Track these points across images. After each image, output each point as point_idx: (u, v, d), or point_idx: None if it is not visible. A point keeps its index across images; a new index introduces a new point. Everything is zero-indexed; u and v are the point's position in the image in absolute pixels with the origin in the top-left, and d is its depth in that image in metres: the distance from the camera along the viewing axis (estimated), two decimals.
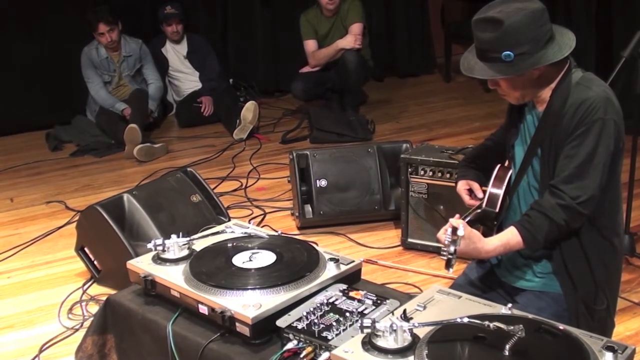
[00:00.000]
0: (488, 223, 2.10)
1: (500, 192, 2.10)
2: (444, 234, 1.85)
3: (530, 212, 1.94)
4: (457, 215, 1.94)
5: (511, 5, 1.90)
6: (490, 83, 2.03)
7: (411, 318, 1.64)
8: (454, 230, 1.81)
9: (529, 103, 2.07)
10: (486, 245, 1.91)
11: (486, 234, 1.98)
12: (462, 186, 2.32)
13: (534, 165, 2.04)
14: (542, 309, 1.96)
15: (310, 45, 5.51)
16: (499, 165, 2.16)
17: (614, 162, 1.93)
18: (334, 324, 1.72)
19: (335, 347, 1.61)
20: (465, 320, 1.57)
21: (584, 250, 1.96)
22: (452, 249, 1.80)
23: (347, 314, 1.77)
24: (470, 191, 2.31)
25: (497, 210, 2.09)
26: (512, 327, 1.50)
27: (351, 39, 5.30)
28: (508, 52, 1.87)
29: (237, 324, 1.78)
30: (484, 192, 2.17)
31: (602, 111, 1.87)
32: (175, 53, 5.89)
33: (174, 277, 1.97)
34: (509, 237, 1.93)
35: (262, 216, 3.86)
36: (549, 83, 1.97)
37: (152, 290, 2.03)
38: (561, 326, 1.62)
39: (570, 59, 1.98)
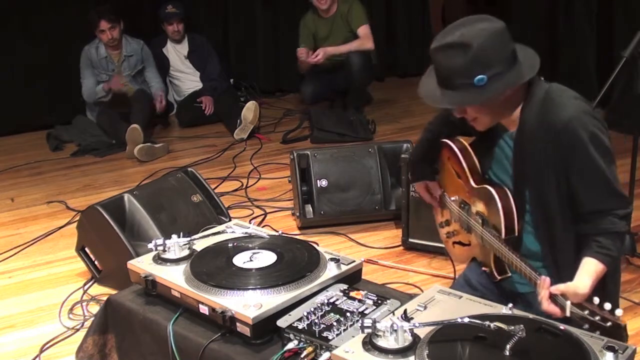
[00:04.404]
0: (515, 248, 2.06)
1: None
2: (547, 302, 1.76)
3: (599, 239, 1.86)
4: (547, 280, 1.79)
5: (471, 27, 1.83)
6: (458, 111, 1.95)
7: (412, 318, 1.64)
8: (562, 309, 1.72)
9: (498, 125, 2.02)
10: (584, 289, 1.80)
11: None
12: (420, 187, 2.43)
13: (524, 192, 1.99)
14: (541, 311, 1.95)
15: (300, 52, 5.50)
16: (497, 196, 2.04)
17: None
18: (335, 324, 1.73)
19: (336, 347, 1.61)
20: (466, 320, 1.57)
21: (578, 255, 1.92)
22: (568, 312, 1.70)
23: (348, 314, 1.77)
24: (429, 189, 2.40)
25: (517, 234, 2.06)
26: (512, 327, 1.50)
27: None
28: (481, 76, 1.80)
29: (237, 324, 1.78)
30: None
31: (587, 128, 1.83)
32: (176, 53, 5.89)
33: (175, 277, 1.98)
34: (595, 269, 1.84)
35: (262, 216, 3.86)
36: (518, 101, 1.92)
37: (153, 290, 2.03)
38: (562, 326, 1.62)
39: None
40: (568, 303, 1.68)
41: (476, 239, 2.14)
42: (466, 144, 2.21)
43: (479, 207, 2.11)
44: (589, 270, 1.85)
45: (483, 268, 2.15)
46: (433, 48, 1.87)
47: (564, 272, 1.95)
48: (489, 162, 2.11)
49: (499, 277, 2.08)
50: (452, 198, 2.29)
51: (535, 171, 1.93)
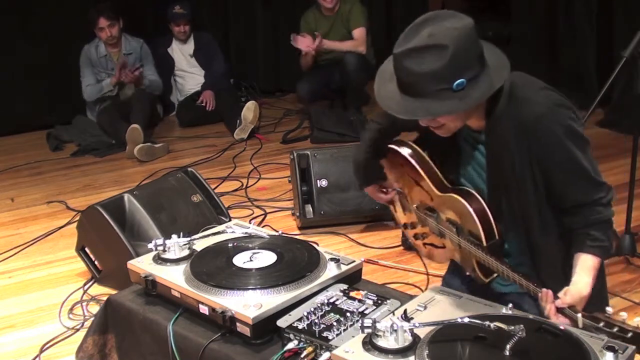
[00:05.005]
0: (499, 253, 1.98)
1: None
2: (555, 317, 1.69)
3: (590, 232, 1.83)
4: (549, 293, 1.72)
5: (439, 26, 1.66)
6: (426, 120, 1.80)
7: (412, 318, 1.64)
8: (572, 321, 1.66)
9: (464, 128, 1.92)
10: (586, 290, 1.78)
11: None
12: (373, 190, 2.31)
13: (500, 197, 1.93)
14: (530, 308, 1.93)
15: (301, 37, 5.50)
16: (467, 204, 1.92)
17: None
18: (335, 324, 1.72)
19: (336, 347, 1.61)
20: (466, 320, 1.57)
21: (561, 261, 1.90)
22: (580, 325, 1.64)
23: (348, 314, 1.77)
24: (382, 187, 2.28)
25: (498, 237, 2.01)
26: (512, 327, 1.50)
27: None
28: (461, 80, 1.63)
29: (237, 324, 1.78)
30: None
31: (561, 122, 1.77)
32: (182, 52, 5.92)
33: (175, 277, 1.97)
34: (592, 264, 1.81)
35: (262, 216, 3.86)
36: (483, 103, 1.79)
37: (153, 290, 2.03)
38: (562, 326, 1.62)
39: None
40: (579, 316, 1.61)
41: (452, 244, 2.03)
42: (416, 147, 2.08)
43: (449, 214, 1.99)
44: (586, 266, 1.82)
45: (467, 273, 2.04)
46: (399, 53, 1.68)
47: (544, 271, 1.92)
48: (457, 166, 2.02)
49: (486, 280, 1.97)
50: (415, 205, 2.16)
51: (511, 175, 1.86)
